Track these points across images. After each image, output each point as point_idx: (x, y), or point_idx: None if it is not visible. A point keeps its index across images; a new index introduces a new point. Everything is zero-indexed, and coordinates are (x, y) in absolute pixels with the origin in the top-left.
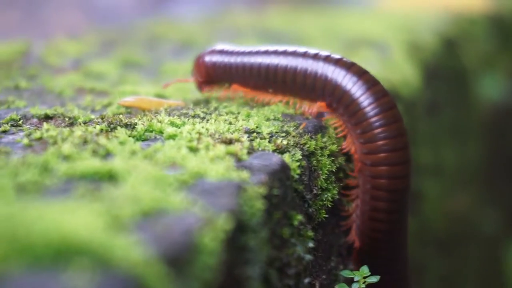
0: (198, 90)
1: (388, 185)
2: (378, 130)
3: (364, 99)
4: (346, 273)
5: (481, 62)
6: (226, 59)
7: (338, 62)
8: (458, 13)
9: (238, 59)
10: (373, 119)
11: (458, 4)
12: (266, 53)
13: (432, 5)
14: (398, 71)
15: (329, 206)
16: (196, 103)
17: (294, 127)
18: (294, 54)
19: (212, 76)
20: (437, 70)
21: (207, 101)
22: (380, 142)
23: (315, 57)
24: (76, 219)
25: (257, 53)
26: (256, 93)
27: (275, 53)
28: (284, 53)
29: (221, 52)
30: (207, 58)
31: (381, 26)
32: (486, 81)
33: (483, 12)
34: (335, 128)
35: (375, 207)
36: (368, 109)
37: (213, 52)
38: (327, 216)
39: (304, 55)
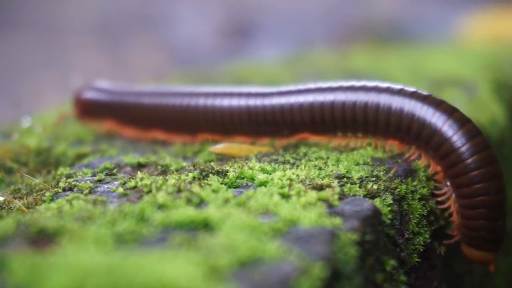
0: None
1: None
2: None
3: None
4: None
5: None
6: (103, 96)
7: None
8: None
9: (116, 98)
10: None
11: None
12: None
13: None
14: (486, 110)
15: (421, 250)
16: (285, 149)
17: (384, 172)
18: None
19: (87, 111)
20: None
21: (296, 146)
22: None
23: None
24: (175, 269)
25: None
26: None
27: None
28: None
29: (97, 89)
30: (83, 95)
31: (466, 64)
32: None
33: None
34: (425, 171)
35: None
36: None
37: (91, 88)
38: (419, 260)
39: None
